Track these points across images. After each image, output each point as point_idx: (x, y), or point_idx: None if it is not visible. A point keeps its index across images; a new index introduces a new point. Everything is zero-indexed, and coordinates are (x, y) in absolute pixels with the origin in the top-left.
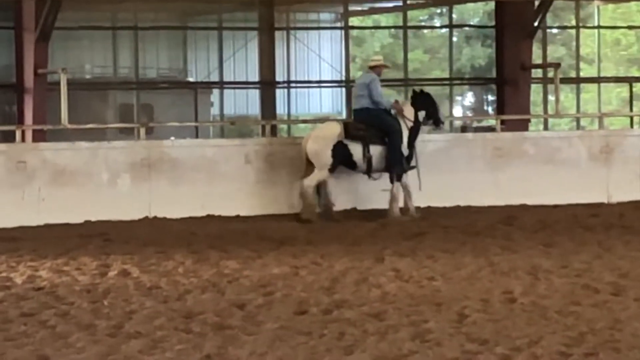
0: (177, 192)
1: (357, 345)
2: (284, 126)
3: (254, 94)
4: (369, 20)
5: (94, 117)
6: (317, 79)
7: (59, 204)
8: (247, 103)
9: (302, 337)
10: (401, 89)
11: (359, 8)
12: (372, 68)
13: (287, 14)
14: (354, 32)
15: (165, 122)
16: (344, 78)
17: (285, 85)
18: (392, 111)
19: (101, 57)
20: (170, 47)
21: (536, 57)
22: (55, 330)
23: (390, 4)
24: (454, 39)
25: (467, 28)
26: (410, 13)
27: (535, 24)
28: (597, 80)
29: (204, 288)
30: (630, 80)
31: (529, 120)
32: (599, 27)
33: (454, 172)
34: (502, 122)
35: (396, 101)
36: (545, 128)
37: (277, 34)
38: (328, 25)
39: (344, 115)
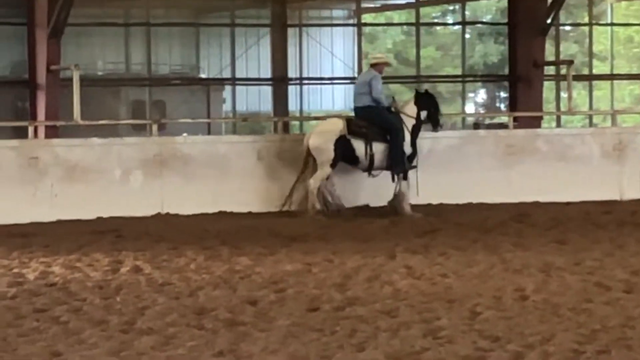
0: (189, 188)
1: (369, 342)
2: (296, 123)
3: (266, 91)
4: (381, 17)
5: (106, 113)
6: (330, 75)
7: (72, 200)
8: (260, 100)
9: (314, 333)
10: (413, 86)
11: (372, 5)
12: (373, 66)
13: (299, 10)
14: (366, 29)
15: (178, 118)
16: (356, 75)
17: (298, 82)
18: (392, 109)
19: (114, 53)
20: (182, 44)
21: (549, 54)
22: (68, 326)
23: (403, 1)
24: (467, 36)
25: (479, 25)
26: (422, 10)
27: (548, 21)
28: (610, 77)
29: (216, 284)
30: None
31: (541, 118)
32: (612, 24)
33: (466, 169)
34: (515, 119)
35: (394, 99)
36: (558, 125)
37: (290, 30)
38: (340, 22)
39: None
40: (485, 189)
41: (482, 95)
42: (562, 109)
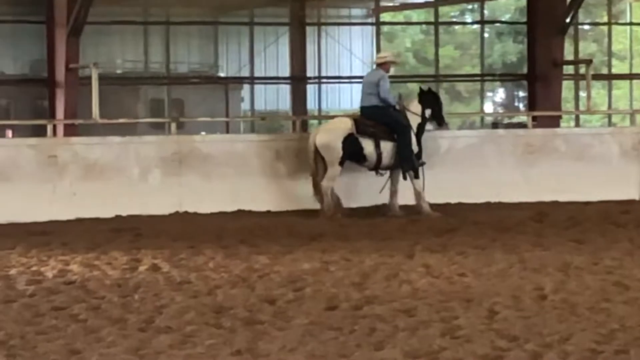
0: (208, 187)
1: (387, 341)
2: (315, 122)
3: (285, 90)
4: (400, 16)
5: (125, 111)
6: (348, 74)
7: (90, 199)
8: (278, 98)
9: (332, 332)
10: (432, 85)
11: (390, 4)
12: (379, 65)
13: (318, 9)
14: (385, 28)
15: (196, 117)
16: None
17: (316, 80)
18: (395, 104)
19: (132, 52)
20: (201, 42)
21: (568, 53)
22: (86, 324)
23: (422, 0)
24: (486, 35)
25: (498, 24)
26: (441, 9)
27: (567, 20)
28: (629, 76)
29: (234, 283)
30: None
31: (560, 117)
32: (630, 23)
33: (484, 168)
34: (534, 118)
35: (400, 97)
36: (577, 125)
37: (308, 29)
38: (359, 20)
39: None
40: (503, 188)
41: (500, 94)
42: (581, 108)
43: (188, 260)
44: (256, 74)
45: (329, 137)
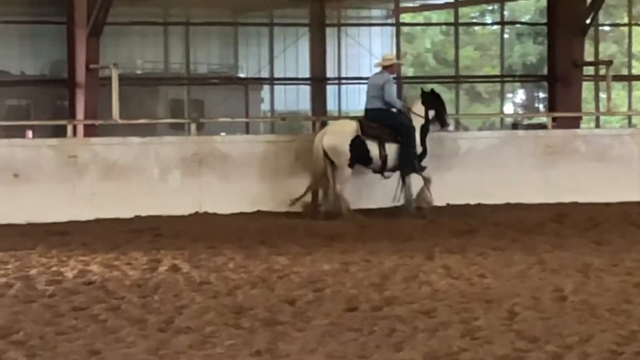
0: (228, 187)
1: (407, 342)
2: None
3: (305, 90)
4: (420, 17)
5: (144, 112)
6: (368, 75)
7: (110, 199)
8: (298, 99)
9: (351, 333)
10: (452, 86)
11: (410, 4)
12: (385, 67)
13: (338, 10)
14: (405, 29)
15: (216, 117)
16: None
17: (336, 81)
18: (401, 109)
19: (152, 52)
20: (221, 43)
21: (588, 54)
22: (106, 324)
23: (442, 1)
24: (506, 36)
25: (518, 25)
26: (461, 10)
27: (588, 21)
28: None
29: (254, 284)
30: None
31: (580, 118)
32: None
33: (504, 169)
34: (554, 119)
35: (405, 99)
36: (597, 126)
37: (328, 30)
38: (379, 21)
39: None
40: (523, 189)
41: (520, 95)
42: (601, 109)
43: (208, 261)
44: (276, 75)
45: (336, 140)
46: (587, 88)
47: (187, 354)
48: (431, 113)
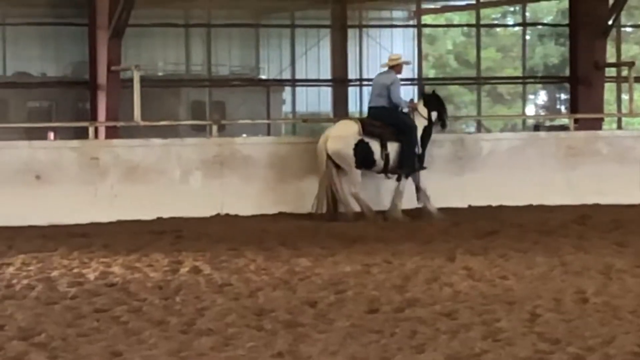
0: (249, 189)
1: (428, 344)
2: None
3: (326, 92)
4: (441, 18)
5: (166, 114)
6: None
7: (132, 201)
8: (319, 101)
9: (373, 335)
10: (473, 87)
11: (432, 6)
12: (392, 67)
13: (359, 11)
14: (426, 30)
15: (237, 119)
16: (416, 76)
17: (358, 83)
18: (406, 109)
19: (174, 54)
20: (242, 45)
21: (610, 55)
22: (128, 326)
23: (463, 3)
24: (527, 37)
25: (540, 26)
26: (483, 11)
27: (609, 22)
28: None
29: (276, 285)
30: None
31: (602, 119)
32: None
33: (526, 170)
34: (576, 121)
35: (411, 100)
36: (619, 127)
37: (350, 31)
38: (400, 23)
39: None
40: (545, 190)
41: (542, 96)
42: (623, 110)
43: (229, 263)
44: (297, 76)
45: (340, 144)
46: (609, 89)
47: (209, 355)
48: (434, 115)
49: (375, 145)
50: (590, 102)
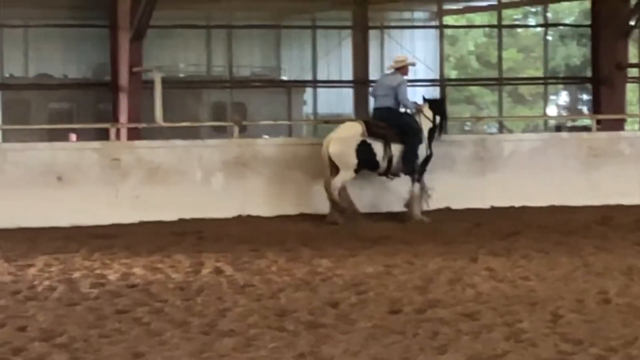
0: (270, 190)
1: (450, 344)
2: None
3: (348, 93)
4: (462, 19)
5: (187, 115)
6: (411, 77)
7: (153, 202)
8: (341, 102)
9: (395, 336)
10: (495, 88)
11: (454, 7)
12: (398, 69)
13: (380, 12)
14: (448, 31)
15: (259, 120)
16: (437, 77)
17: None
18: (412, 111)
19: (195, 55)
20: (264, 46)
21: (632, 56)
22: (149, 327)
23: (485, 3)
24: (549, 38)
25: (562, 27)
26: (504, 12)
27: (632, 23)
28: None
29: (297, 286)
30: None
31: (624, 120)
32: None
33: (548, 171)
34: (598, 121)
35: (416, 103)
36: None
37: (371, 32)
38: (422, 23)
39: None
40: (568, 191)
41: (564, 97)
42: None
43: (251, 264)
44: (319, 77)
45: (342, 146)
46: (631, 90)
47: (231, 356)
48: (437, 118)
49: (377, 147)
50: (612, 102)
